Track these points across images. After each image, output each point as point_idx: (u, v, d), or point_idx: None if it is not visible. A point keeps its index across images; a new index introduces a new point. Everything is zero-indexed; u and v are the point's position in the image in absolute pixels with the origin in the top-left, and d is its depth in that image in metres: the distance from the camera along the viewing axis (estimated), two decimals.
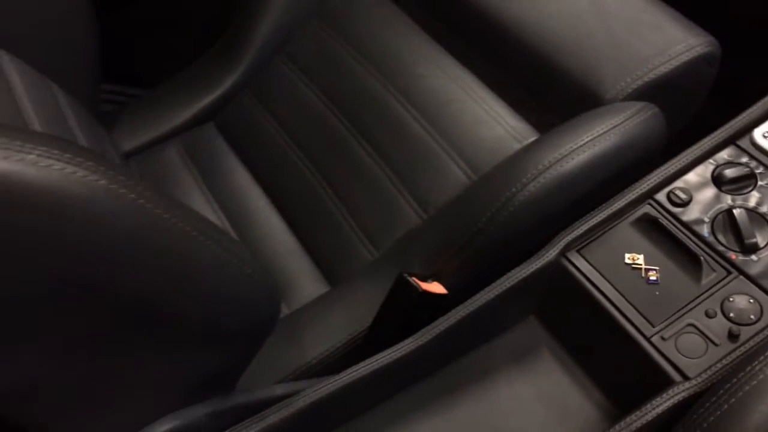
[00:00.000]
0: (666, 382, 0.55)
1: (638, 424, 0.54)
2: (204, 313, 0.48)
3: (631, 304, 0.60)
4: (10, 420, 0.47)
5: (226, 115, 0.91)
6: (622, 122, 0.66)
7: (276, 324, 0.56)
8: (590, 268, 0.63)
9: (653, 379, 0.56)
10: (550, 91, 0.75)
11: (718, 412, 0.50)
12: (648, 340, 0.58)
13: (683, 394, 0.54)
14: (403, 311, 0.64)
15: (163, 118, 0.91)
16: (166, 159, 0.88)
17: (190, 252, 0.45)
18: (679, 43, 0.72)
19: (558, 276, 0.64)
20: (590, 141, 0.64)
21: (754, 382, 0.50)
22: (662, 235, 0.63)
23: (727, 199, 0.64)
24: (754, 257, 0.60)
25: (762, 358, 0.51)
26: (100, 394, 0.49)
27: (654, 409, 0.54)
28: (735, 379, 0.51)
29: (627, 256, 0.63)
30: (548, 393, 0.62)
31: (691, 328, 0.58)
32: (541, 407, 0.62)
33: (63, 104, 0.75)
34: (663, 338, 0.58)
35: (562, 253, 0.64)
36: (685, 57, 0.72)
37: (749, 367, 0.51)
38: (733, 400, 0.50)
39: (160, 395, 0.54)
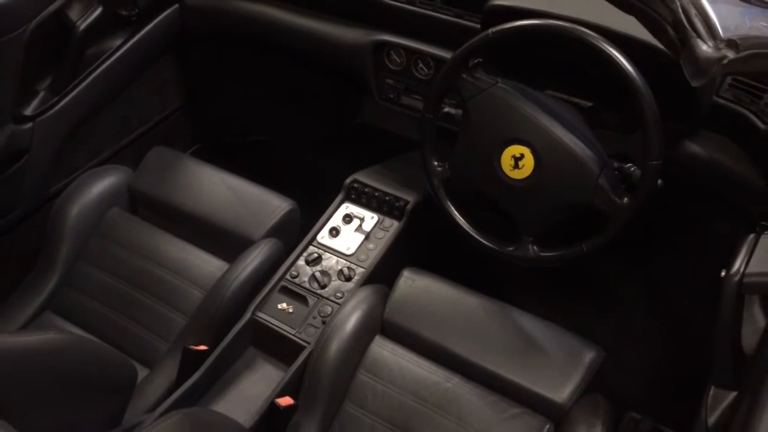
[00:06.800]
0: (302, 348, 1.38)
1: (292, 369, 1.34)
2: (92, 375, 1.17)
3: (286, 325, 1.42)
4: None
5: (56, 302, 1.57)
6: (261, 249, 1.50)
7: (135, 383, 1.27)
8: (266, 315, 1.44)
9: (298, 350, 1.38)
10: (228, 241, 1.57)
11: (318, 347, 1.34)
12: (294, 336, 1.40)
13: (308, 350, 1.36)
14: (190, 365, 1.38)
15: (10, 320, 1.54)
16: None
17: (81, 351, 1.15)
18: (276, 208, 1.59)
19: (254, 324, 1.44)
20: (250, 261, 1.47)
21: (325, 335, 1.34)
22: (290, 292, 1.47)
23: (312, 269, 1.50)
24: (327, 289, 1.46)
25: (326, 328, 1.36)
26: None
27: (296, 361, 1.35)
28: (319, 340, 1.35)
29: (279, 305, 1.45)
30: (267, 376, 1.40)
31: (308, 325, 1.41)
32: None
33: None
34: (299, 333, 1.40)
35: (253, 312, 1.44)
36: (282, 212, 1.58)
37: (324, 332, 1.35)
38: (319, 344, 1.34)
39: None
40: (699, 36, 0.64)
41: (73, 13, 1.54)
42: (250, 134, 2.12)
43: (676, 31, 0.67)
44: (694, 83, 0.70)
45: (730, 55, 0.63)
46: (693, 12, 0.64)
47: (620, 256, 1.60)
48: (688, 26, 0.64)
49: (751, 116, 1.19)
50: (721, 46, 0.63)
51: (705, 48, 0.63)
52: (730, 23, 0.64)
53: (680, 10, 0.65)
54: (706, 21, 0.64)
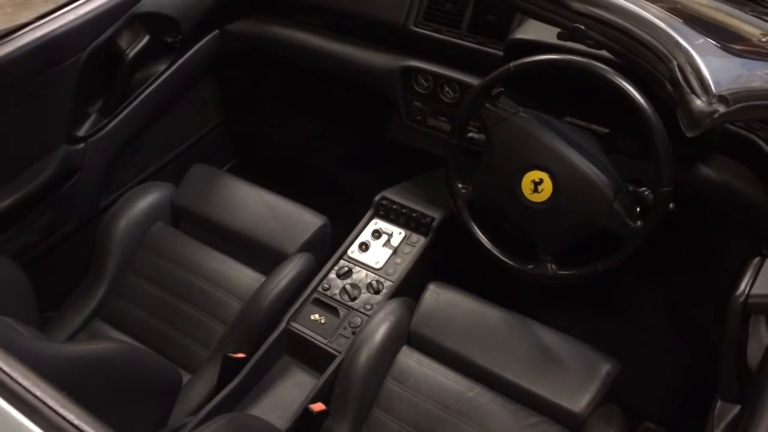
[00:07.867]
0: (333, 357, 1.47)
1: (324, 377, 1.43)
2: (143, 381, 1.28)
3: (319, 335, 1.51)
4: None
5: (104, 310, 1.68)
6: (296, 263, 1.59)
7: (180, 388, 1.37)
8: (300, 326, 1.54)
9: (330, 359, 1.47)
10: (264, 255, 1.66)
11: (348, 356, 1.43)
12: (326, 345, 1.49)
13: (339, 359, 1.45)
14: (229, 372, 1.48)
15: (63, 326, 1.66)
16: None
17: (135, 359, 1.25)
18: (309, 223, 1.68)
19: (289, 333, 1.53)
20: (285, 274, 1.56)
21: (356, 345, 1.43)
22: (322, 304, 1.56)
23: (343, 282, 1.59)
24: (357, 301, 1.55)
25: (356, 338, 1.45)
26: None
27: (329, 369, 1.44)
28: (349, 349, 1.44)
29: (312, 316, 1.55)
30: (300, 383, 1.50)
31: (339, 335, 1.51)
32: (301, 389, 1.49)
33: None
34: (331, 342, 1.50)
35: (288, 322, 1.54)
36: (315, 227, 1.68)
37: (354, 342, 1.45)
38: (350, 353, 1.43)
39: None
40: (693, 92, 0.71)
41: (123, 42, 1.66)
42: (284, 150, 2.23)
43: (673, 87, 0.75)
44: (689, 134, 0.78)
45: (721, 109, 0.70)
46: (689, 70, 0.72)
47: (637, 272, 1.66)
48: (683, 83, 0.72)
49: (761, 143, 1.26)
50: (713, 101, 0.70)
51: (698, 103, 0.70)
52: (725, 77, 0.71)
53: (677, 68, 0.72)
54: (699, 78, 0.71)
